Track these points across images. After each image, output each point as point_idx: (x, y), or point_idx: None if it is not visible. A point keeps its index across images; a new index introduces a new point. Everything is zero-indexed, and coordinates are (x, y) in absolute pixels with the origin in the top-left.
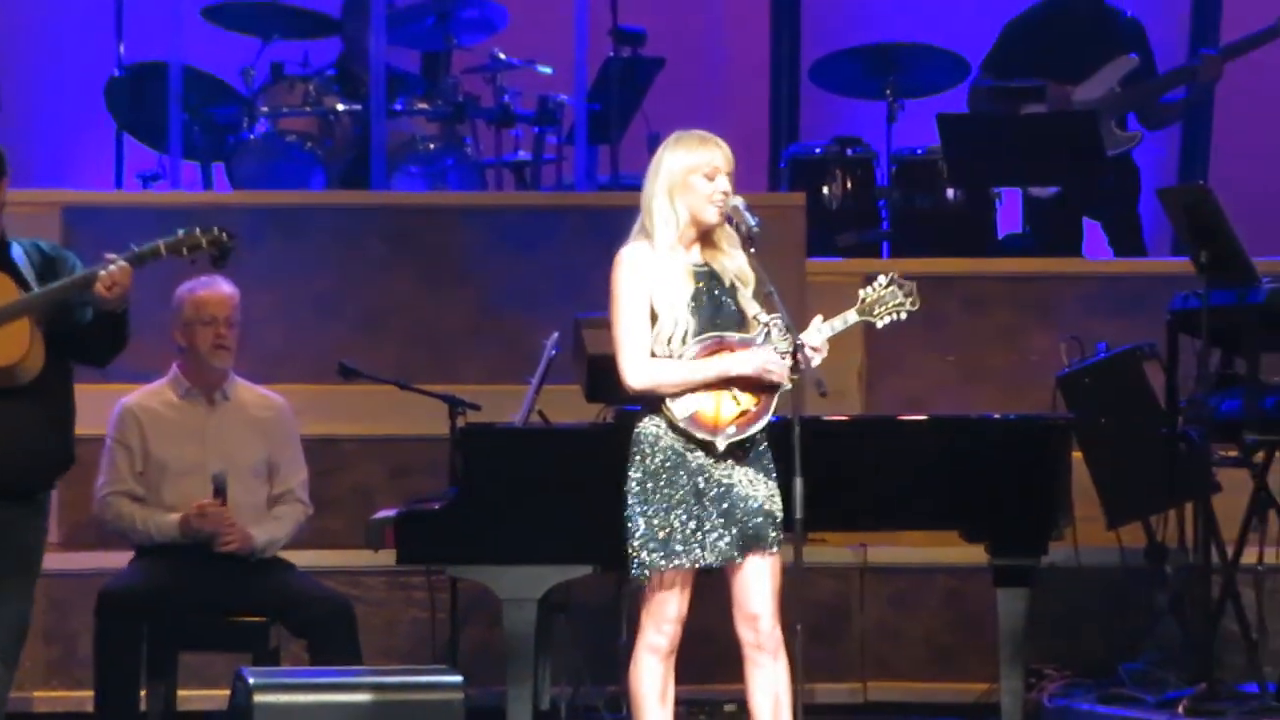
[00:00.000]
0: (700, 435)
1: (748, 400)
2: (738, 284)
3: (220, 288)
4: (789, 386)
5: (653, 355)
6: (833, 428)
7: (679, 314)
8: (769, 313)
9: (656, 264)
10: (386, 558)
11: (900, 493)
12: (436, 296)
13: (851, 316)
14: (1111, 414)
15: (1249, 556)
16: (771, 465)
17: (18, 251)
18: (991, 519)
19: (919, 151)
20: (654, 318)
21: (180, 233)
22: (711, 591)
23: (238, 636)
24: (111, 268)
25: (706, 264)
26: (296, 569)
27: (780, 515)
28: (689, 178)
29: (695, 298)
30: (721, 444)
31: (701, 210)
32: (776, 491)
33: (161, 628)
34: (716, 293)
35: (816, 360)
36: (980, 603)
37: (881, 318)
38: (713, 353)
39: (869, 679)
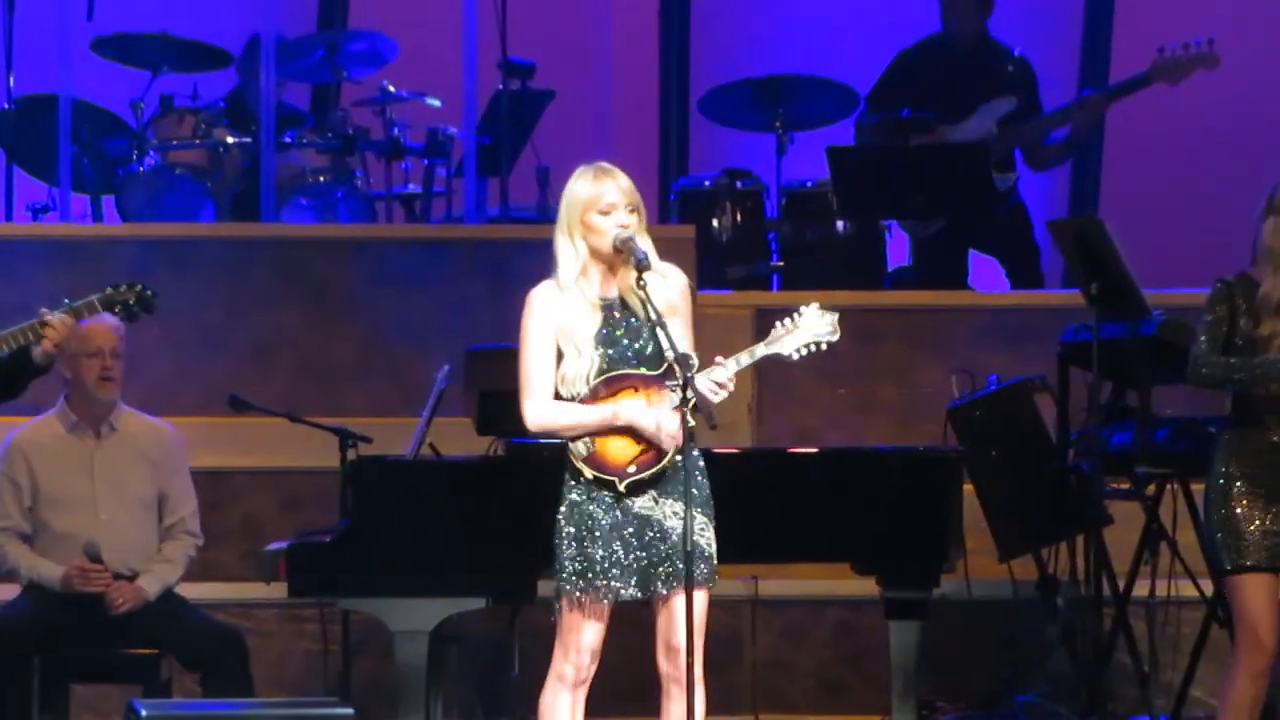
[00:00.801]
0: (600, 475)
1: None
2: (657, 316)
3: (104, 319)
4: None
5: (558, 396)
6: (723, 460)
7: (585, 350)
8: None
9: (562, 302)
10: (278, 590)
11: (791, 525)
12: (326, 329)
13: (759, 350)
14: (1002, 446)
15: (1141, 589)
16: (707, 499)
17: None
18: (883, 552)
19: (809, 184)
20: (562, 357)
21: (108, 289)
22: (633, 623)
23: (129, 669)
24: (56, 321)
25: (618, 297)
26: (187, 602)
27: (711, 548)
28: (586, 215)
29: (601, 333)
30: (621, 484)
31: (601, 245)
32: (708, 523)
33: (53, 660)
34: (626, 327)
35: (720, 397)
36: (872, 635)
37: (797, 350)
38: (615, 393)
39: (760, 711)
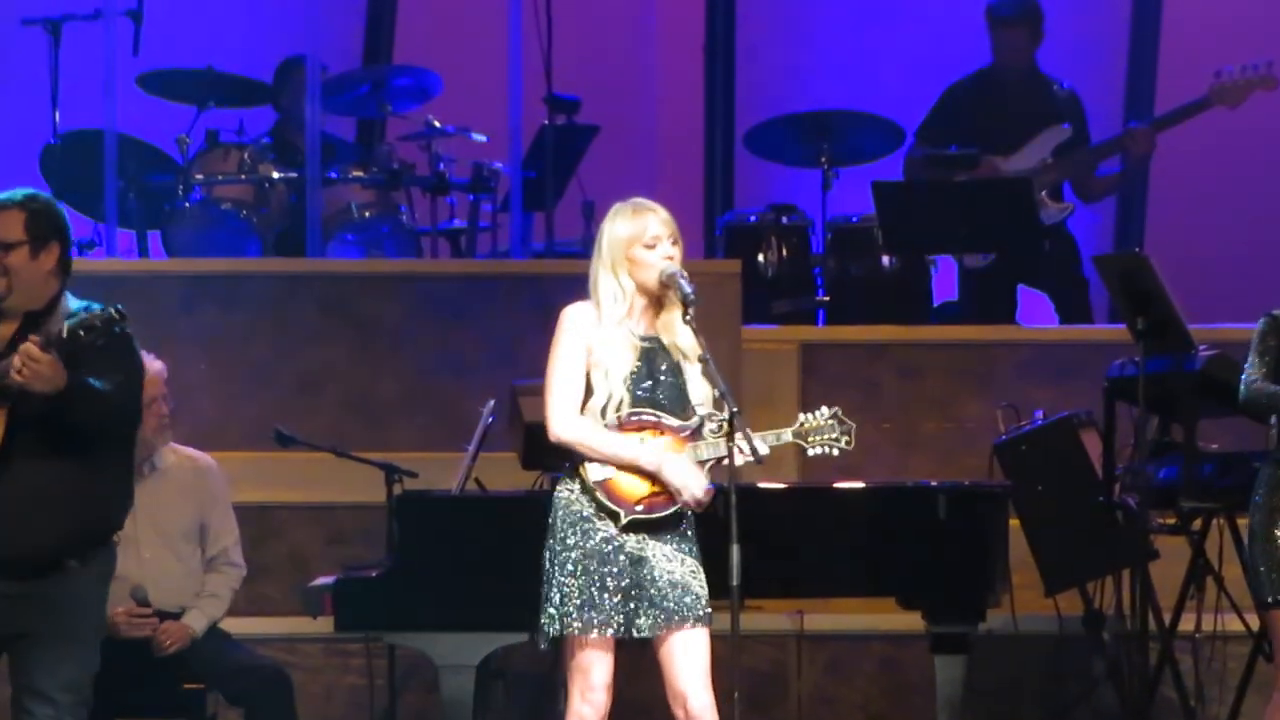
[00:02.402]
0: (608, 504)
1: (661, 484)
2: (685, 361)
3: (152, 365)
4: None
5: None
6: (769, 495)
7: (614, 386)
8: (708, 381)
9: (600, 330)
10: (324, 625)
11: (836, 560)
12: (372, 364)
13: (786, 435)
14: (1048, 482)
15: (1186, 624)
16: (693, 545)
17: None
18: (928, 587)
19: (854, 219)
20: (590, 384)
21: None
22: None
23: (176, 703)
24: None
25: (656, 337)
26: (233, 638)
27: (704, 590)
28: (631, 249)
29: (636, 372)
30: (625, 518)
31: (647, 280)
32: (698, 568)
33: (99, 694)
34: (661, 370)
35: (746, 461)
36: (917, 670)
37: (815, 446)
38: (643, 429)
39: None
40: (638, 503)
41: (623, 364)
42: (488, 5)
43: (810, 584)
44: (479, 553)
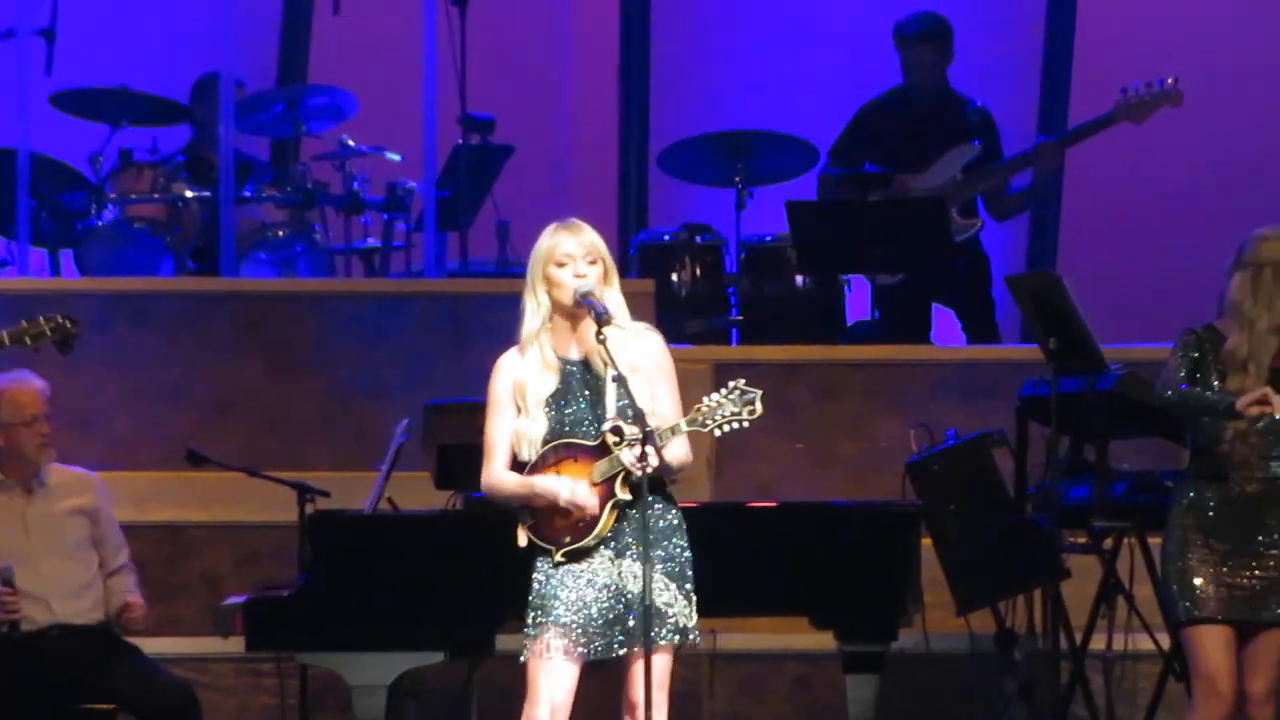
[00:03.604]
0: (539, 544)
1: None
2: (625, 375)
3: (32, 384)
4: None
5: (515, 458)
6: (682, 515)
7: (535, 412)
8: (627, 399)
9: (522, 364)
10: (235, 644)
11: (750, 579)
12: (285, 383)
13: (682, 426)
14: (961, 501)
15: (1098, 643)
16: (678, 555)
17: None
18: (841, 606)
19: (768, 239)
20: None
21: (23, 322)
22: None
23: None
24: None
25: (582, 359)
26: (144, 655)
27: (673, 610)
28: (547, 268)
29: (555, 397)
30: (558, 553)
31: (562, 298)
32: (669, 584)
33: (7, 715)
34: (581, 392)
35: (639, 471)
36: (830, 689)
37: (718, 426)
38: (560, 461)
39: None
40: (565, 534)
41: (542, 388)
42: (403, 25)
43: (723, 603)
44: (391, 572)
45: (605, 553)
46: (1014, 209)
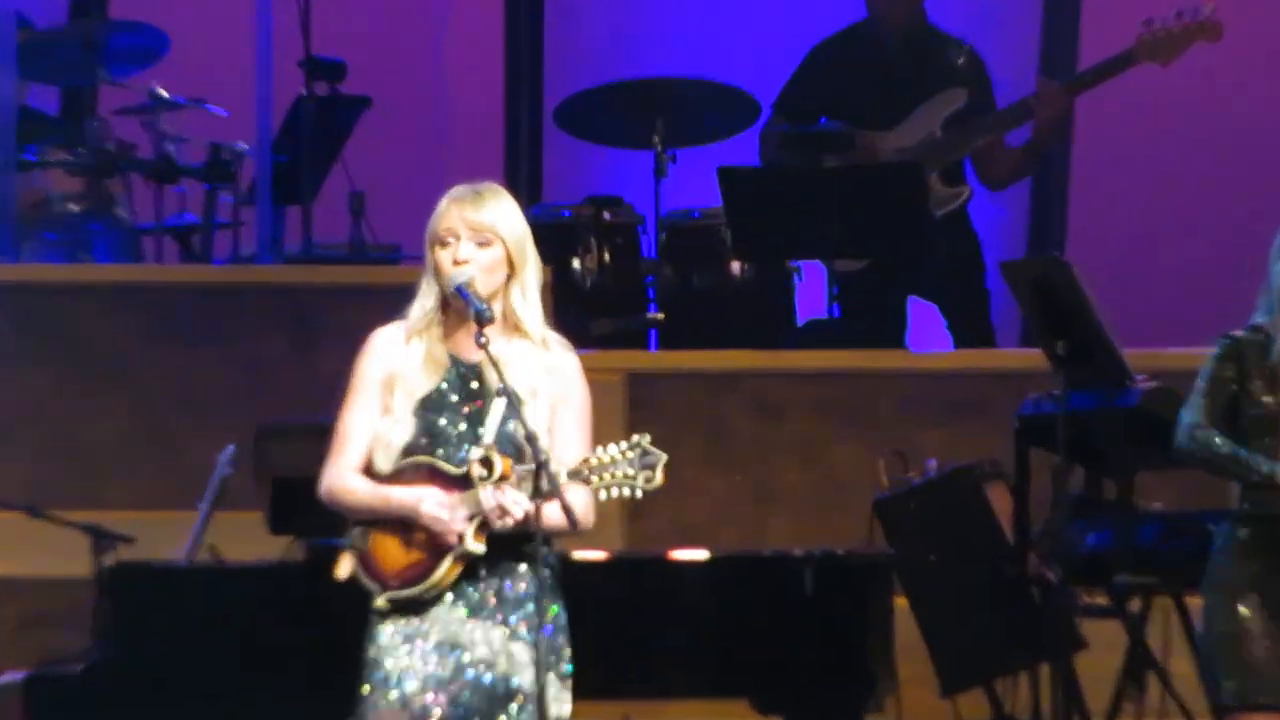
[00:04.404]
0: (364, 580)
1: (425, 548)
2: (502, 383)
3: None
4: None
5: (369, 466)
6: (586, 568)
7: (403, 416)
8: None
9: (404, 351)
10: None
11: (673, 651)
12: (80, 399)
13: (562, 476)
14: (944, 549)
15: None
16: (560, 645)
17: None
18: (790, 684)
19: (695, 214)
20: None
21: None
22: None
23: None
24: None
25: (475, 365)
26: None
27: (529, 689)
28: (432, 249)
29: (429, 402)
30: (380, 598)
31: (446, 289)
32: (525, 657)
33: None
34: (463, 404)
35: (503, 524)
36: None
37: (606, 489)
38: (412, 483)
39: None
40: (397, 573)
41: (418, 387)
42: None
43: (640, 681)
44: (213, 641)
45: (450, 611)
46: (1009, 173)
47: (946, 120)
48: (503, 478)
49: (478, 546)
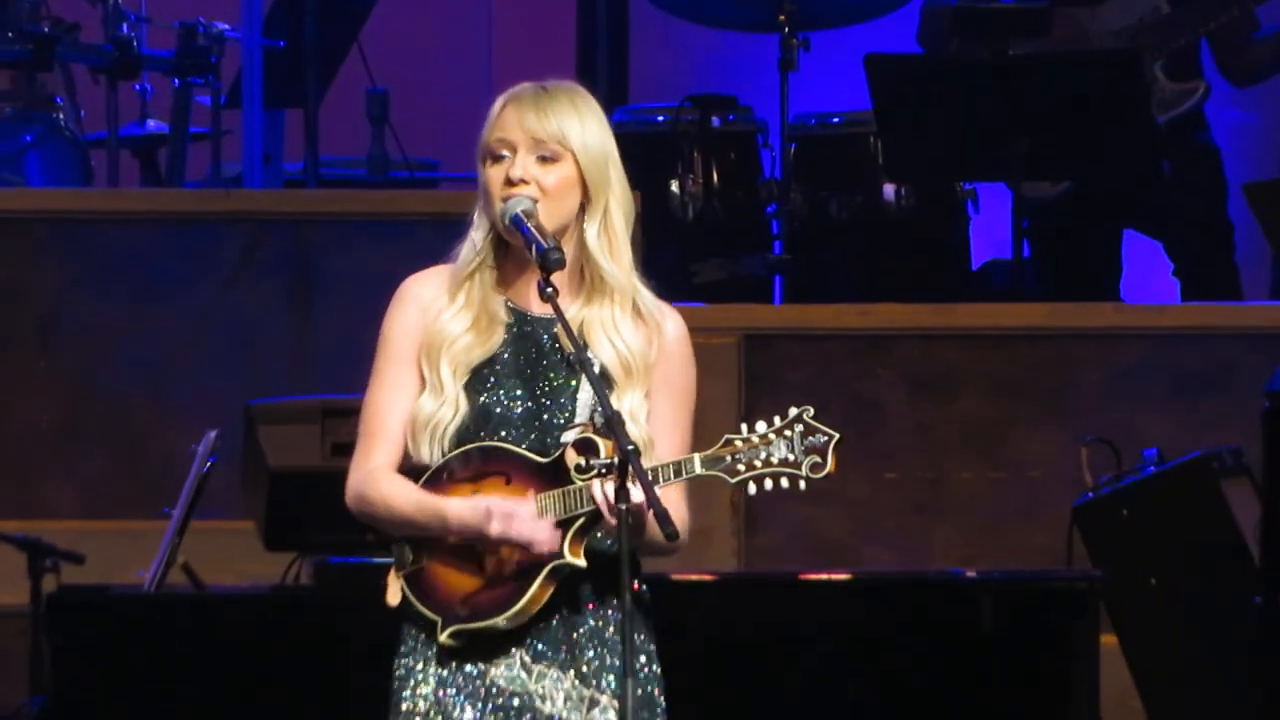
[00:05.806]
0: (422, 608)
1: (504, 564)
2: (576, 348)
3: None
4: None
5: (408, 457)
6: (689, 594)
7: (449, 392)
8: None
9: (447, 305)
10: None
11: (806, 697)
12: (10, 369)
13: (695, 466)
14: (1168, 570)
15: None
16: (642, 668)
17: None
18: None
19: (834, 121)
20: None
21: None
22: None
23: None
24: None
25: (545, 318)
26: None
27: None
28: (483, 165)
29: (491, 369)
30: (442, 632)
31: (498, 220)
32: (609, 717)
33: None
34: (539, 368)
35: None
36: None
37: (758, 481)
38: (481, 480)
39: None
40: (460, 600)
41: (469, 351)
42: None
43: None
44: (187, 691)
45: (514, 653)
46: (1264, 66)
47: None
48: (609, 467)
49: (578, 560)
